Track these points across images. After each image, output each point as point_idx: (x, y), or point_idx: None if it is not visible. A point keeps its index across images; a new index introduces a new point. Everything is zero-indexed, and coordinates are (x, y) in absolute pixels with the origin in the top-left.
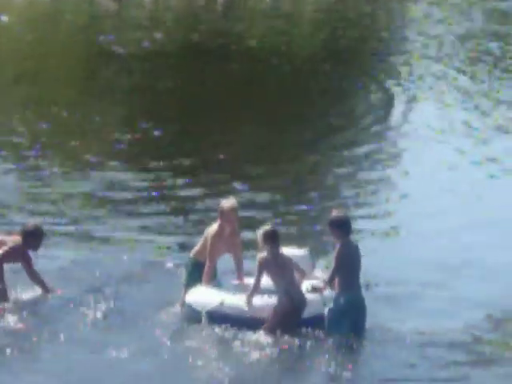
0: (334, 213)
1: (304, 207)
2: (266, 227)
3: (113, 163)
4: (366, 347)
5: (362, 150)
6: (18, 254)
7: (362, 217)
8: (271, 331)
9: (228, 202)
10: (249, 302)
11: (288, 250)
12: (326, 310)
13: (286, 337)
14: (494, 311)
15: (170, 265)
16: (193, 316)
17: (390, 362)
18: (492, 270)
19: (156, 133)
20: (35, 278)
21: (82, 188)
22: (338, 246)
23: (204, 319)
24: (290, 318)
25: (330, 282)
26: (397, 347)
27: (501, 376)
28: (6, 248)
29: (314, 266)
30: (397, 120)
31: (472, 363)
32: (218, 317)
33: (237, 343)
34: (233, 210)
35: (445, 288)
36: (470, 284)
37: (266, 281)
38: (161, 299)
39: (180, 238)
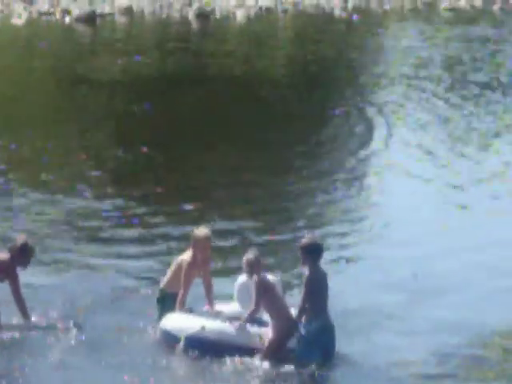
0: (306, 238)
1: (274, 233)
2: (249, 256)
3: (85, 189)
4: (337, 374)
5: (337, 175)
6: (6, 272)
7: (332, 242)
8: (270, 358)
9: (201, 231)
10: (243, 326)
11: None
12: (295, 338)
13: (261, 364)
14: (463, 335)
15: (142, 291)
16: (169, 342)
17: None
18: (465, 295)
19: (129, 158)
20: (19, 299)
21: (52, 214)
22: (306, 273)
23: (182, 345)
24: (285, 343)
25: (301, 311)
26: (366, 373)
27: None
28: None
29: (283, 293)
30: (371, 145)
31: None
32: (197, 342)
33: (217, 369)
34: (206, 238)
35: (413, 313)
36: (439, 309)
37: (235, 307)
38: (135, 325)
39: (151, 264)
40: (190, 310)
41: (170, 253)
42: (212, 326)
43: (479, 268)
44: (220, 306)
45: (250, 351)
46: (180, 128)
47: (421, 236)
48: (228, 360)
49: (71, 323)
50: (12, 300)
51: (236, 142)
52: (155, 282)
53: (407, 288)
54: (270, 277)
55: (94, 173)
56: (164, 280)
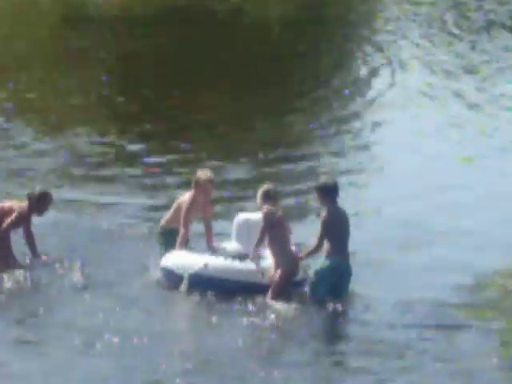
0: (323, 178)
1: (276, 173)
2: (265, 185)
3: (82, 127)
4: (347, 312)
5: (336, 115)
6: (24, 219)
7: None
8: (278, 296)
9: (204, 174)
10: (253, 255)
11: (247, 215)
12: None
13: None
14: (467, 276)
15: (143, 229)
16: (171, 280)
17: (372, 325)
18: (467, 235)
19: (127, 97)
20: (31, 238)
21: (50, 152)
22: (324, 213)
23: (185, 283)
24: (289, 283)
25: (313, 250)
26: (377, 312)
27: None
28: (15, 214)
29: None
30: (373, 87)
31: (446, 328)
32: (200, 280)
33: (221, 309)
34: (209, 181)
35: (420, 253)
36: (447, 248)
37: (234, 246)
38: (137, 263)
39: (151, 203)
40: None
41: (171, 192)
42: (215, 263)
43: (481, 213)
44: (220, 245)
45: (253, 287)
46: (182, 67)
47: (424, 173)
48: (232, 298)
49: (77, 263)
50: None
51: (241, 82)
52: (155, 220)
53: (407, 229)
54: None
55: (90, 113)
56: (164, 218)
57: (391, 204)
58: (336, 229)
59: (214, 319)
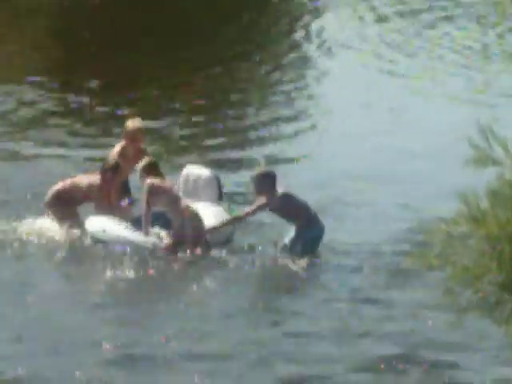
0: (258, 169)
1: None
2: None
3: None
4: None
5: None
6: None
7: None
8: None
9: (133, 122)
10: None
11: (194, 169)
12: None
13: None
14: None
15: None
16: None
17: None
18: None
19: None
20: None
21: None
22: (262, 201)
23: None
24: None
25: (235, 219)
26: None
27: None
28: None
29: (219, 189)
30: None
31: (393, 274)
32: (100, 242)
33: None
34: (138, 130)
35: (367, 200)
36: (392, 194)
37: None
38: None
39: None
40: (132, 202)
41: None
42: (112, 228)
43: (425, 154)
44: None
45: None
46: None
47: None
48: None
49: None
50: None
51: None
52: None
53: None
54: (203, 170)
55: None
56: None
57: (337, 148)
58: (291, 207)
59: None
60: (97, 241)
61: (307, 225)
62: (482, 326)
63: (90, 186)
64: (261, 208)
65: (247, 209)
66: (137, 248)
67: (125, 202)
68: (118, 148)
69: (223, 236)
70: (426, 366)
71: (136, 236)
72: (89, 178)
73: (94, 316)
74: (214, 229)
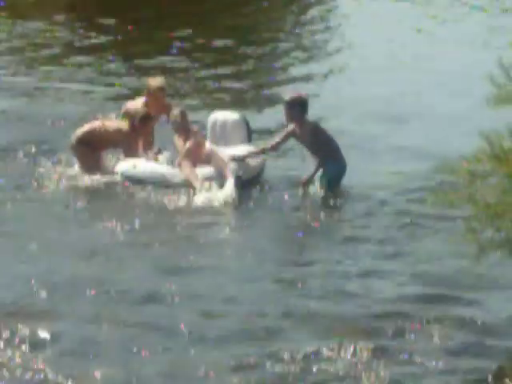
0: (290, 94)
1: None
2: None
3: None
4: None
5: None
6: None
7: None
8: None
9: (155, 81)
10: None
11: (221, 114)
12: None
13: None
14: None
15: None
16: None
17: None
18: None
19: None
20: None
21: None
22: (291, 127)
23: (120, 179)
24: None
25: (263, 150)
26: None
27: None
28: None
29: (247, 131)
30: None
31: (411, 214)
32: (130, 178)
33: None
34: (160, 89)
35: (390, 138)
36: (416, 133)
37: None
38: None
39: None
40: (159, 150)
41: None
42: (143, 163)
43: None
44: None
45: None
46: None
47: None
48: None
49: None
50: None
51: None
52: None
53: (384, 117)
54: (231, 114)
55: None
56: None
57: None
58: (318, 138)
59: None
60: (128, 178)
61: (332, 160)
62: (502, 265)
63: (119, 131)
64: (289, 135)
65: (276, 137)
66: (166, 183)
67: (154, 152)
68: (137, 105)
69: (254, 170)
70: (447, 305)
71: (166, 169)
72: (117, 124)
73: (116, 264)
74: (244, 157)
